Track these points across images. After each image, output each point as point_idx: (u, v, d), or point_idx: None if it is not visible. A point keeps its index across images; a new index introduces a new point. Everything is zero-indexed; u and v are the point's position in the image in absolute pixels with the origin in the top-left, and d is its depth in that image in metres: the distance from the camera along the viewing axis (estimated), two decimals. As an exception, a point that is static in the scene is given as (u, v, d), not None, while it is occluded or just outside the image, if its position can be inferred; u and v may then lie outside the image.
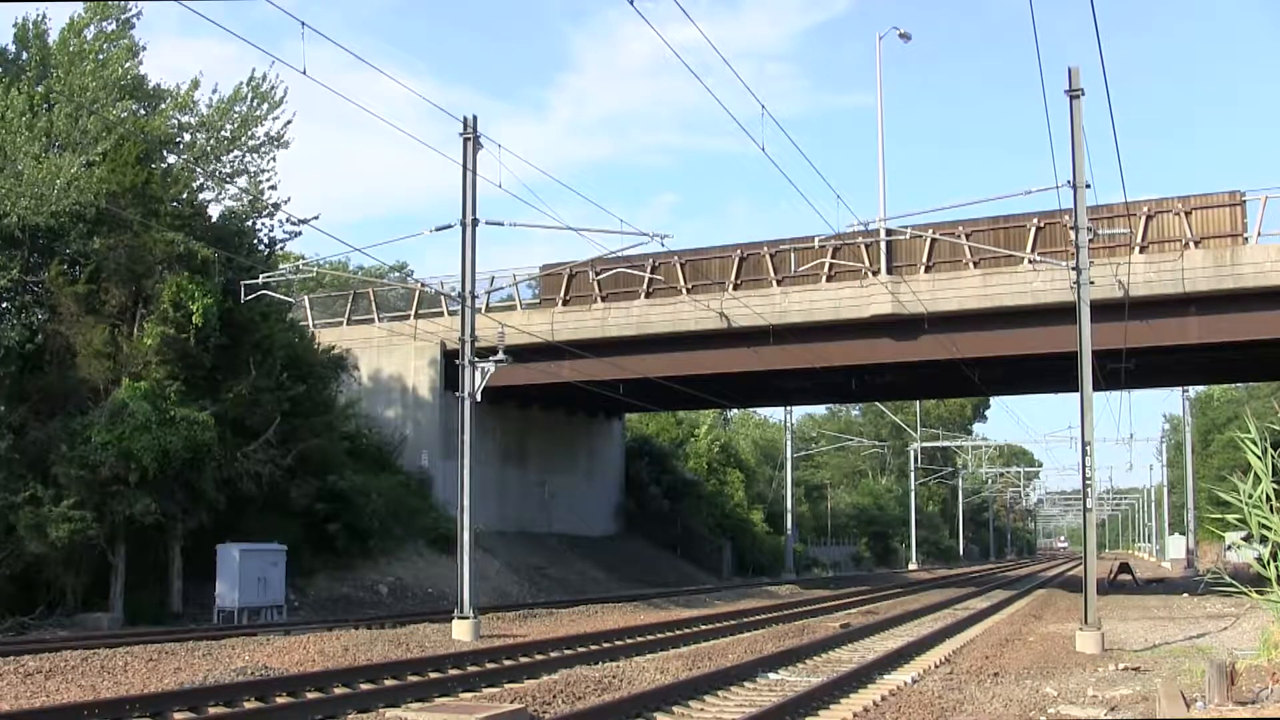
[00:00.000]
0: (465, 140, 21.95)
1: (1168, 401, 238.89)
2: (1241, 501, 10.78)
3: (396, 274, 53.24)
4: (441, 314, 37.00)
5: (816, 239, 28.46)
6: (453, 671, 15.41)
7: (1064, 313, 23.41)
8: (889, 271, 30.27)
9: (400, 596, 30.51)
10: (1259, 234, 26.85)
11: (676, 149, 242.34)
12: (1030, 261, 27.21)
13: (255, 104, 29.64)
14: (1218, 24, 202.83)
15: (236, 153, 29.87)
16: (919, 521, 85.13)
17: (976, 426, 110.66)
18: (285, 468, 27.22)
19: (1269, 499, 10.65)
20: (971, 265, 29.42)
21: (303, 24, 14.27)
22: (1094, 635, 18.49)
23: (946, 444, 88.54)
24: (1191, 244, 27.33)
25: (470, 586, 21.12)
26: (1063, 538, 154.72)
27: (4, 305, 26.14)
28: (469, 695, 13.70)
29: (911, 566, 77.85)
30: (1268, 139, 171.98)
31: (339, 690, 13.57)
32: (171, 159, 28.67)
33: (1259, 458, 10.79)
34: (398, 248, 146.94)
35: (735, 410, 73.01)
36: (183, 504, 24.98)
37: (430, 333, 35.95)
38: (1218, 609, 27.34)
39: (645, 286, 33.25)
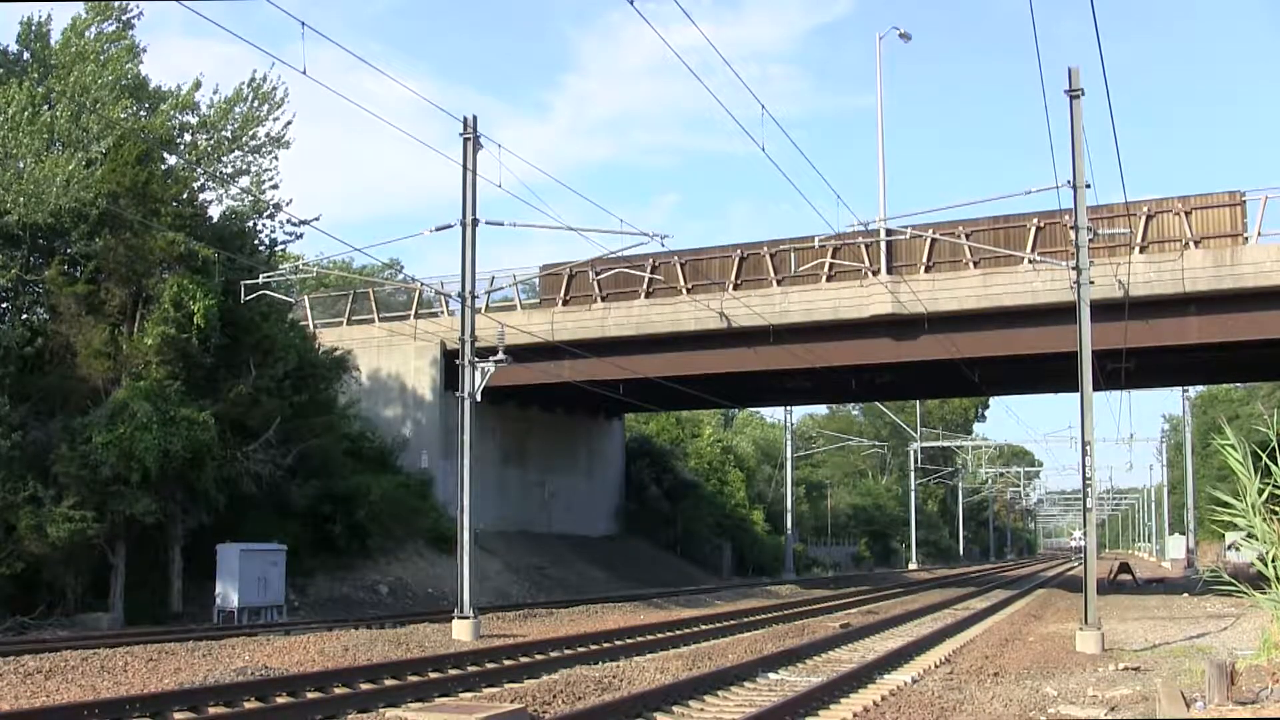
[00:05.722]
0: (465, 140, 21.96)
1: (1168, 401, 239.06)
2: (1224, 510, 10.81)
3: (389, 271, 53.27)
4: (441, 314, 37.01)
5: (816, 239, 28.46)
6: (453, 671, 15.42)
7: (1064, 313, 23.41)
8: (889, 271, 30.26)
9: (400, 596, 30.52)
10: (1259, 234, 26.84)
11: (678, 149, 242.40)
12: (1030, 261, 27.21)
13: (256, 104, 29.68)
14: (1218, 24, 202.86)
15: (237, 153, 29.93)
16: (919, 521, 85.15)
17: (976, 426, 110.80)
18: (286, 468, 27.24)
19: (1257, 504, 10.65)
20: (971, 265, 29.42)
21: (303, 24, 14.29)
22: (1094, 635, 18.50)
23: (946, 444, 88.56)
24: (1191, 244, 27.32)
25: (470, 586, 21.12)
26: (1077, 533, 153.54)
27: (4, 305, 26.17)
28: (469, 695, 13.70)
29: (911, 566, 77.85)
30: (1268, 139, 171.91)
31: (339, 690, 13.58)
32: (172, 159, 28.70)
33: (1240, 463, 10.79)
34: (395, 247, 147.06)
35: (737, 410, 73.04)
36: (183, 504, 25.00)
37: (430, 333, 35.95)
38: (1218, 609, 27.34)
39: (645, 286, 33.24)
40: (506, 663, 16.60)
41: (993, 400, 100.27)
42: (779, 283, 31.51)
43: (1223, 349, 30.48)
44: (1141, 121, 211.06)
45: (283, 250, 32.51)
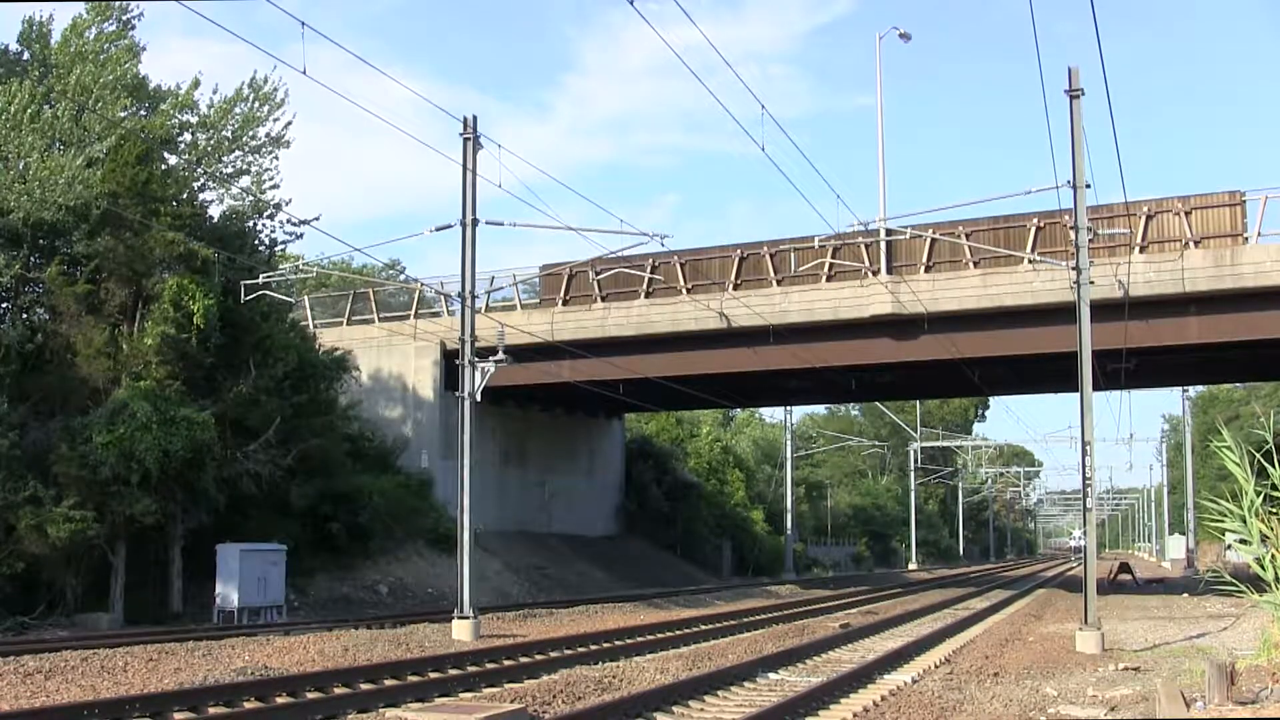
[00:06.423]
0: (465, 140, 21.97)
1: (1168, 401, 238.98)
2: (1228, 512, 10.83)
3: (390, 272, 53.29)
4: (441, 314, 37.03)
5: (816, 239, 28.46)
6: (453, 671, 15.42)
7: (1064, 313, 23.41)
8: (889, 271, 30.26)
9: (400, 596, 30.51)
10: (1259, 234, 26.84)
11: (678, 150, 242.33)
12: (1030, 261, 27.21)
13: (256, 105, 29.72)
14: (1218, 24, 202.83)
15: (238, 153, 29.98)
16: (919, 521, 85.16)
17: (976, 426, 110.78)
18: (285, 468, 27.23)
19: (1255, 505, 10.66)
20: (971, 265, 29.42)
21: (303, 24, 14.30)
22: (1094, 635, 18.50)
23: (946, 444, 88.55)
24: (1191, 244, 27.32)
25: (470, 586, 21.12)
26: (1077, 533, 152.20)
27: (4, 305, 26.18)
28: (469, 695, 13.70)
29: (911, 566, 77.87)
30: (1268, 139, 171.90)
31: (339, 690, 13.58)
32: (172, 159, 28.73)
33: (1237, 464, 10.81)
34: (396, 247, 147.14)
35: (737, 410, 73.01)
36: (183, 504, 25.00)
37: (430, 333, 35.96)
38: (1218, 609, 27.35)
39: (645, 286, 33.25)
40: (506, 663, 16.60)
41: (993, 400, 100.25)
42: (779, 283, 31.51)
43: (1223, 349, 30.46)
44: (1141, 121, 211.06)
45: (283, 250, 32.56)
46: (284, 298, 29.33)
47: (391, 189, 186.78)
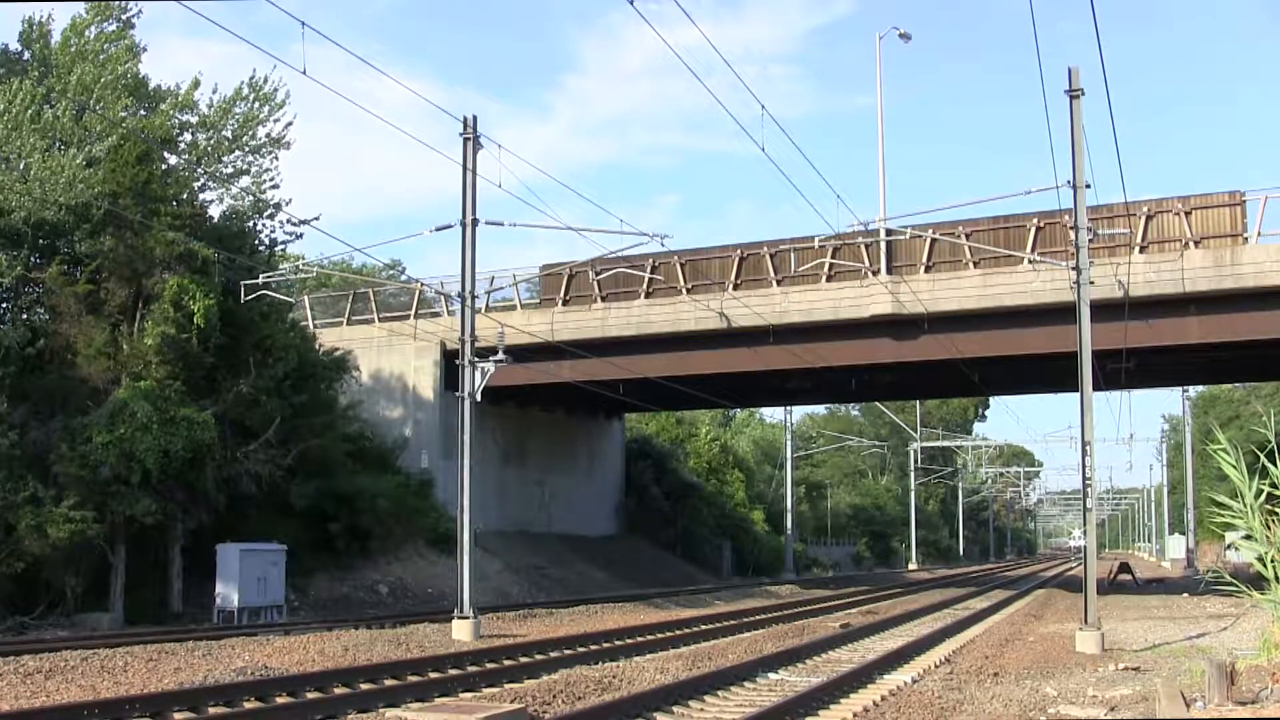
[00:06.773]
0: (465, 140, 21.97)
1: (1168, 401, 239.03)
2: (1223, 511, 10.86)
3: (390, 272, 53.24)
4: (441, 314, 37.02)
5: (816, 239, 28.45)
6: (453, 671, 15.42)
7: (1064, 313, 23.41)
8: (889, 271, 30.26)
9: (400, 596, 30.51)
10: (1259, 234, 26.83)
11: (678, 150, 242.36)
12: (1030, 261, 27.21)
13: (256, 105, 29.73)
14: (1218, 24, 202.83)
15: (238, 153, 29.98)
16: (919, 521, 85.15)
17: (976, 426, 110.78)
18: (286, 468, 27.24)
19: (1254, 505, 10.67)
20: (971, 265, 29.41)
21: (303, 24, 14.31)
22: (1094, 635, 18.50)
23: (946, 444, 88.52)
24: (1191, 244, 27.32)
25: (470, 586, 21.13)
26: (1077, 533, 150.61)
27: (4, 305, 26.20)
28: (469, 695, 13.70)
29: (911, 566, 77.87)
30: (1268, 139, 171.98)
31: (339, 690, 13.58)
32: (172, 159, 28.74)
33: (1234, 467, 10.82)
34: (396, 247, 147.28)
35: (738, 410, 73.00)
36: (183, 504, 25.00)
37: (430, 333, 35.95)
38: (1218, 609, 27.35)
39: (645, 286, 33.23)
40: (506, 663, 16.61)
41: (993, 400, 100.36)
42: (779, 283, 31.50)
43: (1223, 349, 30.46)
44: (1141, 121, 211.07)
45: (283, 250, 32.57)
46: (284, 298, 29.33)
47: (391, 189, 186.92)
